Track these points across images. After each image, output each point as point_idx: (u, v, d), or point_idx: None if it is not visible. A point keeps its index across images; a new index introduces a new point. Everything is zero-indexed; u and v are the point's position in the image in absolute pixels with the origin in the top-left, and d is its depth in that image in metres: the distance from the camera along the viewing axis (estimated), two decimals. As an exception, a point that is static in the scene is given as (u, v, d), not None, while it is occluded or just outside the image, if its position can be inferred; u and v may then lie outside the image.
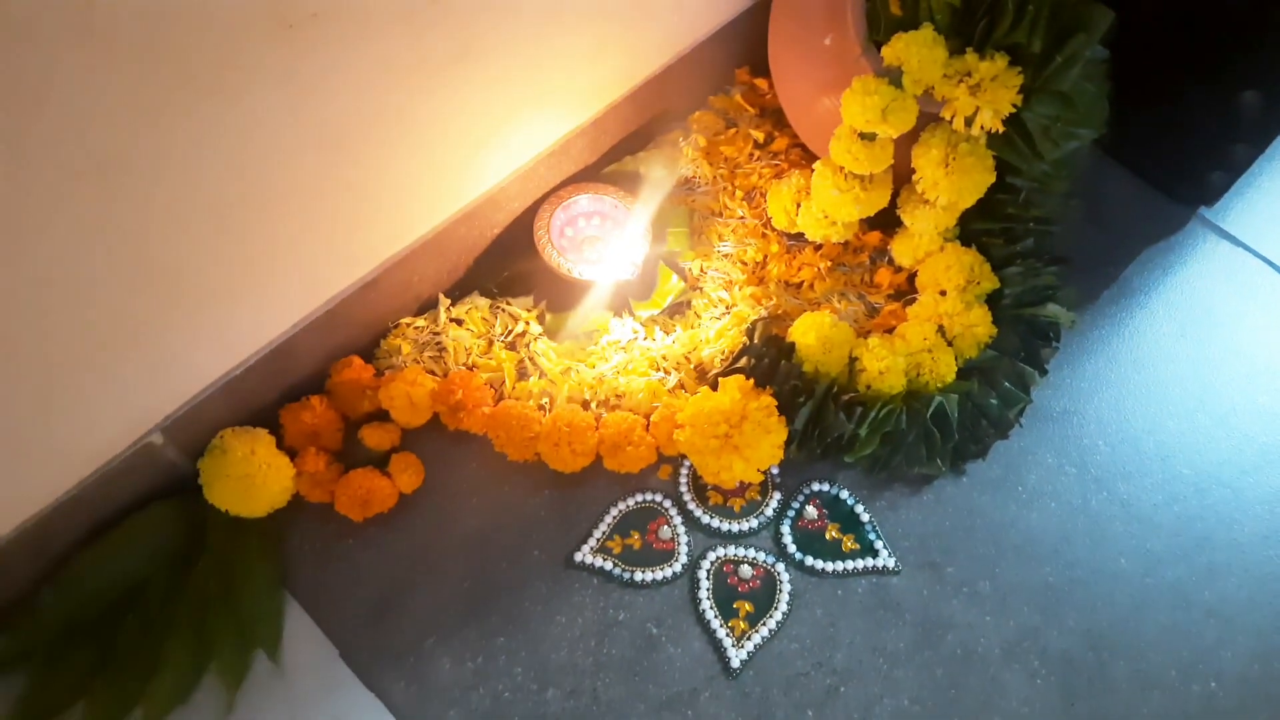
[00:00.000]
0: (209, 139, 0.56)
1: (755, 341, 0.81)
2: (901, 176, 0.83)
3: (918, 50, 0.73)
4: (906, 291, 0.89)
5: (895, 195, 0.84)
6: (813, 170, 0.85)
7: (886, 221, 0.88)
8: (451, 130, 0.73)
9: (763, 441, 0.75)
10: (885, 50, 0.74)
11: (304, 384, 0.79)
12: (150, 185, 0.55)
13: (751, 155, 0.96)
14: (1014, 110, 0.74)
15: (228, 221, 0.61)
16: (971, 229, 0.85)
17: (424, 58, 0.65)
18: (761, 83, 0.99)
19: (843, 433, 0.77)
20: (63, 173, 0.50)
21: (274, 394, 0.77)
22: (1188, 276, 0.94)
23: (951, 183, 0.78)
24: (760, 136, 0.96)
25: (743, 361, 0.80)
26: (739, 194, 0.93)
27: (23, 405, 0.60)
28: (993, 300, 0.83)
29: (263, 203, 0.63)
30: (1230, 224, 0.97)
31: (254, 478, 0.72)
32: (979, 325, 0.81)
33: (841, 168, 0.80)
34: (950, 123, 0.76)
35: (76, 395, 0.63)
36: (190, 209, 0.58)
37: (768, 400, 0.76)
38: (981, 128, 0.75)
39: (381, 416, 0.80)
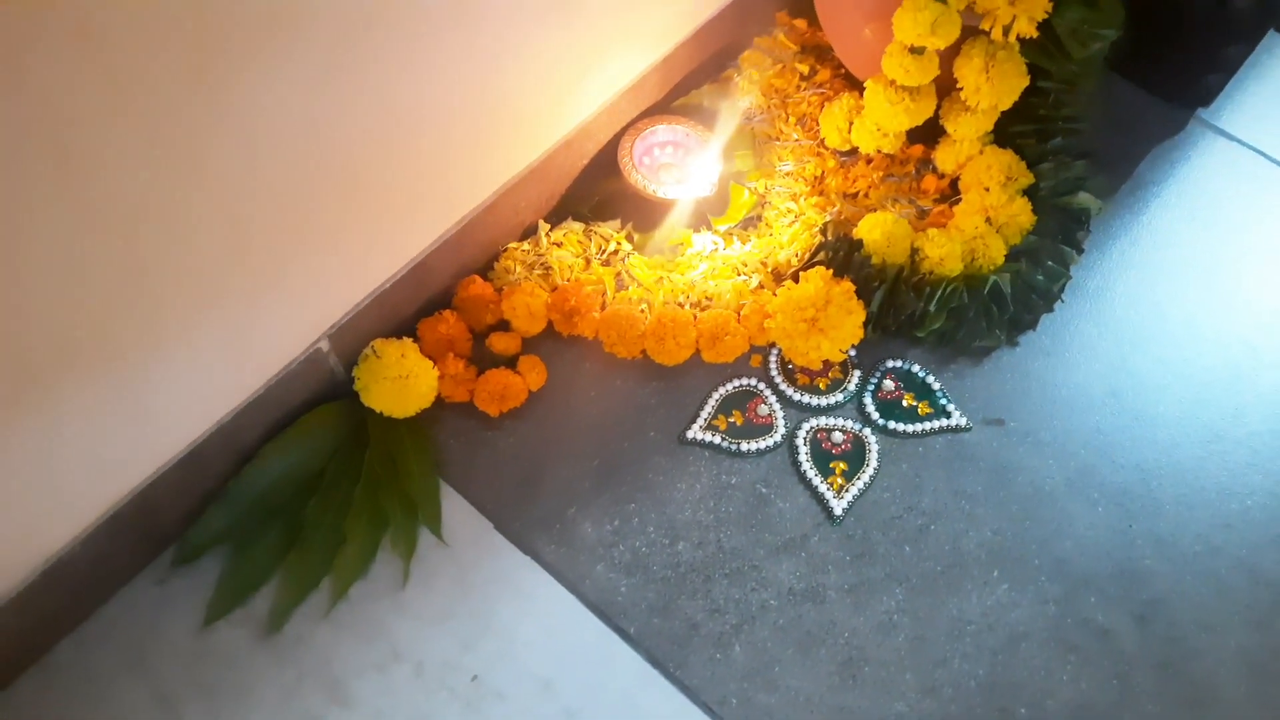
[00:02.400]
0: (397, 73, 0.66)
1: (829, 238, 0.91)
2: (943, 89, 0.94)
3: (960, -31, 0.84)
4: (950, 195, 1.00)
5: (938, 108, 0.95)
6: (861, 92, 0.96)
7: (926, 136, 0.99)
8: (557, 68, 0.83)
9: (846, 321, 0.86)
10: (930, -28, 0.85)
11: (436, 300, 0.89)
12: (353, 101, 0.65)
13: (798, 86, 1.06)
14: (1045, 17, 0.85)
15: (399, 145, 0.71)
16: (1008, 131, 0.96)
17: (532, 9, 0.75)
18: (800, 23, 1.10)
19: (914, 310, 0.88)
20: (289, 88, 0.60)
21: (412, 308, 0.87)
22: (1192, 170, 1.05)
23: (992, 87, 0.88)
24: (805, 69, 1.07)
25: (820, 256, 0.90)
26: (792, 120, 1.04)
27: (229, 315, 0.69)
28: (1030, 193, 0.94)
29: (419, 127, 0.73)
30: (1225, 122, 1.08)
31: (405, 380, 0.82)
32: (1021, 214, 0.92)
33: (893, 82, 0.91)
34: (989, 34, 0.87)
35: (267, 304, 0.72)
36: (379, 133, 0.68)
37: (847, 285, 0.87)
38: (1017, 35, 0.86)
39: (503, 326, 0.90)
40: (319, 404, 0.83)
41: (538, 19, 0.76)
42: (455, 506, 0.82)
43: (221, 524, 0.79)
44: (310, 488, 0.81)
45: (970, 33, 0.88)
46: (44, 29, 0.46)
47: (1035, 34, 0.86)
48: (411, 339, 0.85)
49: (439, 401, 0.85)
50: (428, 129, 0.74)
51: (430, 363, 0.84)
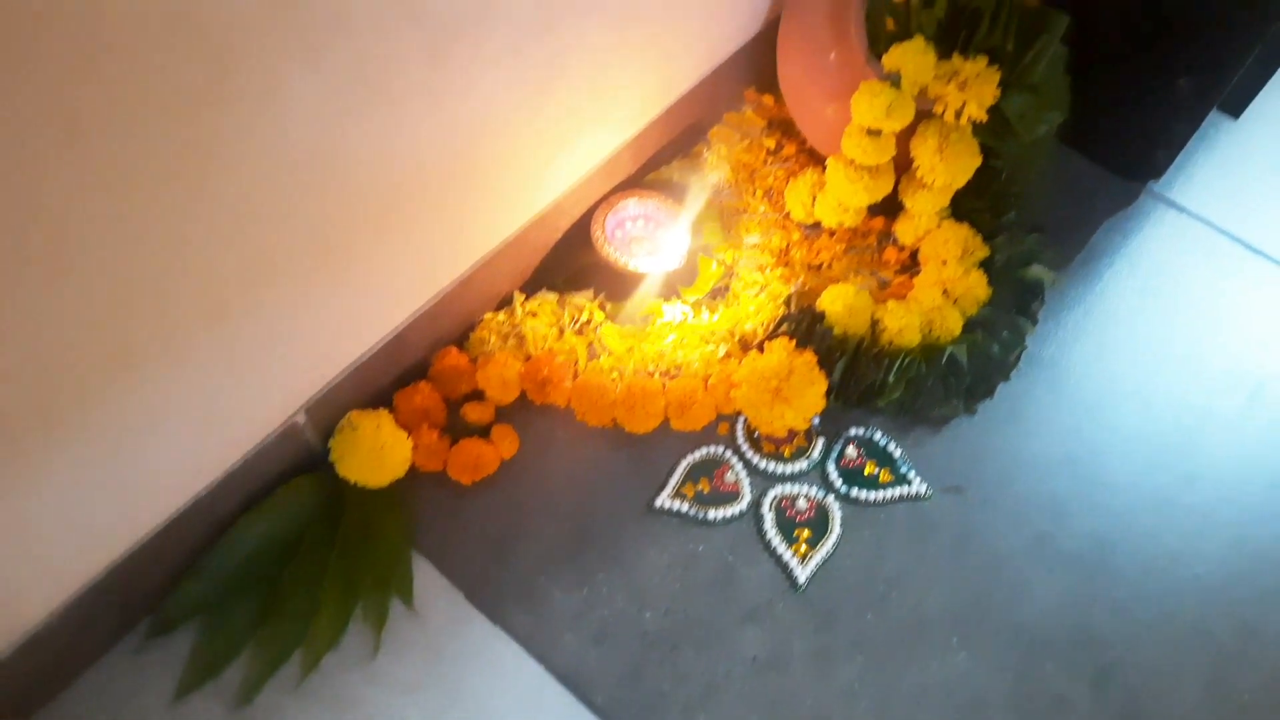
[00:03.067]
0: (377, 155, 0.69)
1: (793, 309, 0.95)
2: (901, 167, 0.98)
3: (912, 57, 0.88)
4: (910, 267, 1.03)
5: (896, 184, 0.99)
6: (824, 167, 1.00)
7: (888, 209, 1.03)
8: (532, 148, 0.87)
9: (808, 391, 0.89)
10: (885, 59, 0.90)
11: (412, 370, 0.91)
12: (331, 183, 0.68)
13: (765, 160, 1.11)
14: (994, 102, 0.89)
15: (379, 222, 0.74)
16: (963, 207, 1.00)
17: (521, 80, 0.79)
18: (768, 99, 1.14)
19: (874, 381, 0.91)
20: (262, 169, 0.63)
21: (388, 379, 0.89)
22: (1144, 241, 1.10)
23: (946, 166, 0.93)
24: (771, 144, 1.11)
25: (784, 327, 0.94)
26: (759, 193, 1.08)
27: (208, 390, 0.71)
28: (986, 265, 0.98)
29: (398, 203, 0.76)
30: (1175, 194, 1.13)
31: (380, 451, 0.84)
32: (977, 286, 0.96)
33: (852, 160, 0.95)
34: (942, 116, 0.91)
35: (246, 380, 0.74)
36: (358, 212, 0.71)
37: (809, 356, 0.90)
38: (969, 118, 0.90)
39: (478, 396, 0.92)
40: (295, 475, 0.85)
41: (516, 103, 0.80)
42: (427, 576, 0.84)
43: (197, 595, 0.80)
44: (285, 559, 0.82)
45: (924, 115, 0.93)
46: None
47: (985, 118, 0.90)
48: (387, 409, 0.87)
49: (413, 471, 0.87)
50: (406, 206, 0.77)
51: (405, 433, 0.86)
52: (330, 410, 0.85)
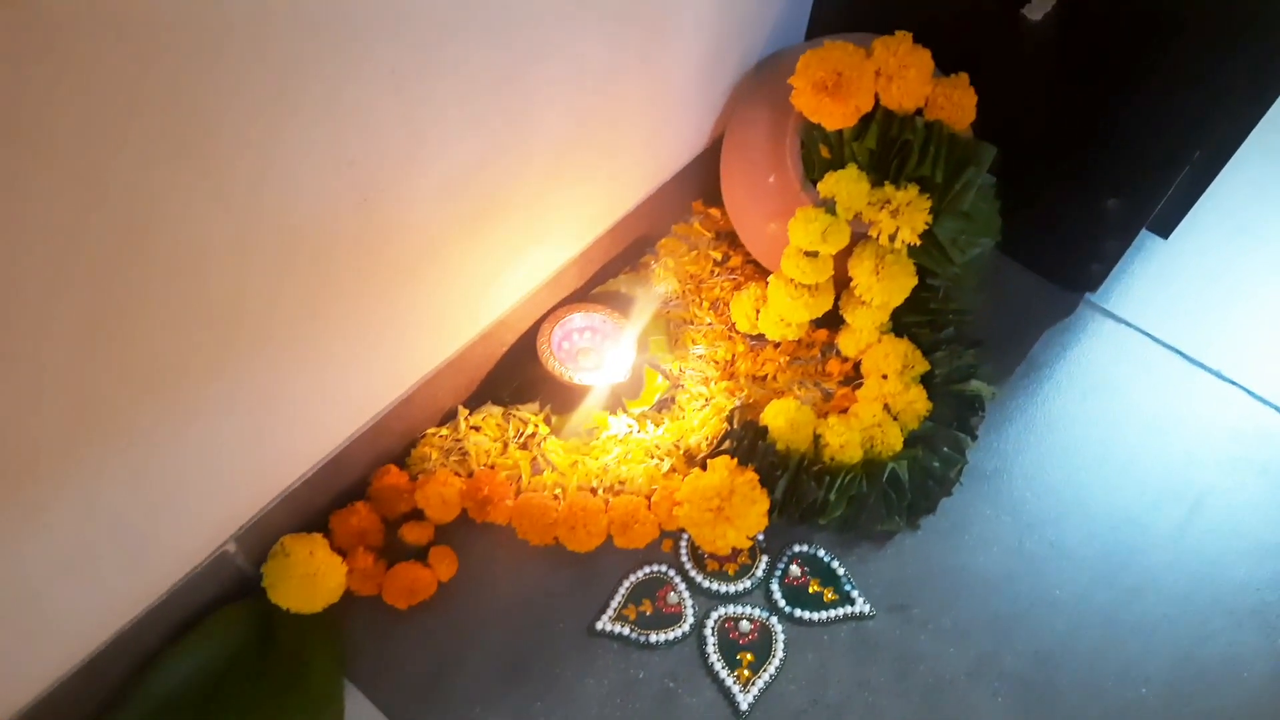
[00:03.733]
0: (313, 281, 0.70)
1: (735, 426, 0.95)
2: (841, 283, 1.00)
3: (846, 185, 0.91)
4: (854, 377, 1.05)
5: (837, 299, 1.01)
6: (767, 283, 1.02)
7: (831, 321, 1.05)
8: (474, 269, 0.88)
9: (750, 510, 0.89)
10: (820, 185, 0.92)
11: (349, 490, 0.90)
12: (265, 307, 0.68)
13: (712, 271, 1.13)
14: (927, 227, 0.92)
15: (316, 347, 0.74)
16: (903, 322, 1.01)
17: (456, 217, 0.80)
18: (715, 211, 1.17)
19: (815, 498, 0.91)
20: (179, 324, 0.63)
21: (324, 501, 0.88)
22: (1083, 351, 1.12)
23: (883, 287, 0.95)
24: (719, 255, 1.13)
25: (726, 444, 0.94)
26: (705, 304, 1.10)
27: (127, 526, 0.70)
28: (926, 380, 0.99)
29: (333, 332, 0.76)
30: (1113, 305, 1.16)
31: (313, 577, 0.83)
32: (917, 401, 0.97)
33: (792, 279, 0.97)
34: (877, 239, 0.94)
35: (170, 514, 0.73)
36: (290, 336, 0.72)
37: (751, 475, 0.90)
38: (902, 242, 0.93)
39: (417, 515, 0.91)
40: (226, 602, 0.83)
41: (459, 232, 0.81)
42: (360, 706, 0.82)
43: (120, 732, 0.77)
44: (213, 691, 0.80)
45: (861, 237, 0.95)
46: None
47: (918, 242, 0.93)
48: (322, 533, 0.86)
49: (348, 594, 0.86)
50: (345, 328, 0.77)
51: (339, 558, 0.85)
52: (263, 535, 0.83)
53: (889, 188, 0.92)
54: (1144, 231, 1.13)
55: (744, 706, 0.83)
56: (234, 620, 0.83)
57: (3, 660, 0.68)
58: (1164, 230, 1.19)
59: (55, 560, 0.66)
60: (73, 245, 0.53)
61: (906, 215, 0.91)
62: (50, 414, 0.59)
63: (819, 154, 0.95)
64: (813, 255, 0.94)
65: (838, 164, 0.94)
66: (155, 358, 0.63)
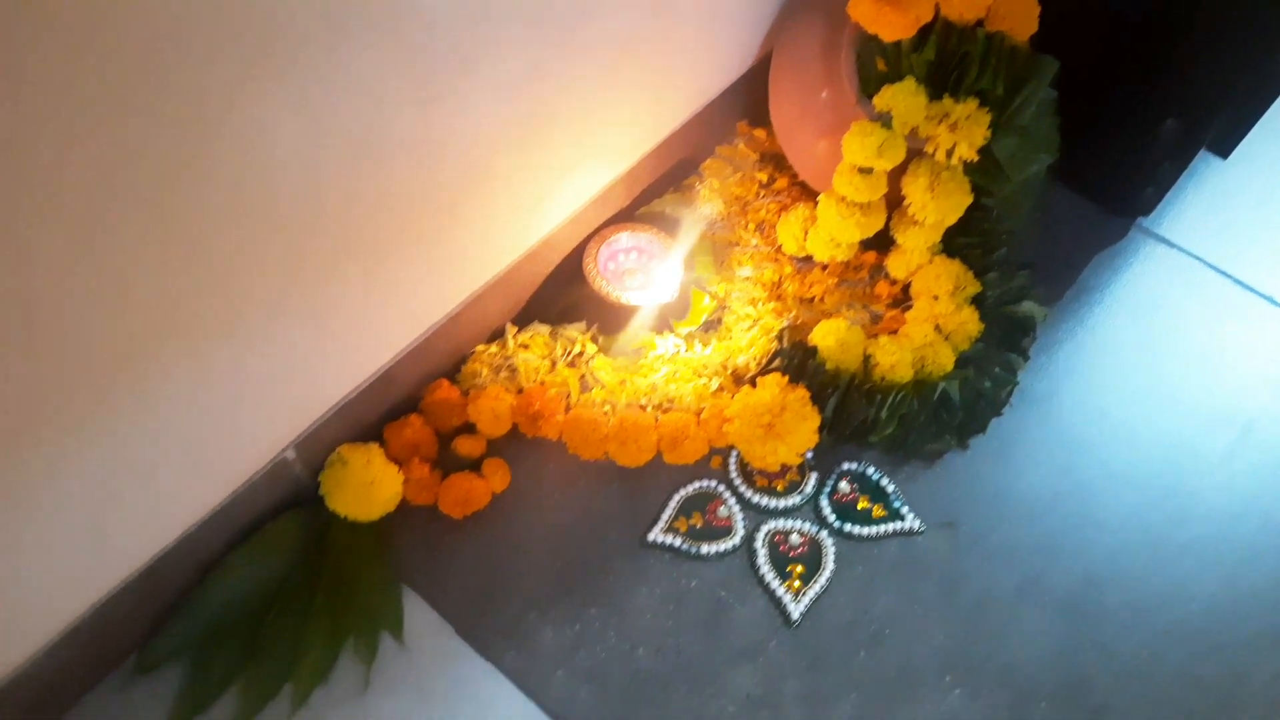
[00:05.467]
0: (364, 194, 0.69)
1: (785, 345, 0.95)
2: (893, 203, 0.98)
3: (903, 98, 0.89)
4: (902, 300, 1.04)
5: (888, 220, 1.00)
6: (816, 202, 1.00)
7: (880, 243, 1.04)
8: (525, 184, 0.87)
9: (800, 427, 0.89)
10: (876, 99, 0.90)
11: (402, 404, 0.91)
12: (322, 221, 0.68)
13: (758, 194, 1.11)
14: (985, 142, 0.90)
15: (368, 262, 0.74)
16: (955, 243, 1.00)
17: (508, 124, 0.79)
18: (760, 133, 1.15)
19: (866, 416, 0.91)
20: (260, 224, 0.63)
21: (379, 413, 0.89)
22: (1134, 276, 1.10)
23: (937, 205, 0.93)
24: (764, 178, 1.12)
25: (776, 362, 0.94)
26: (751, 226, 1.09)
27: (192, 429, 0.71)
28: (977, 301, 0.98)
29: (389, 245, 0.76)
30: (1165, 230, 1.14)
31: (370, 485, 0.84)
32: (969, 322, 0.96)
33: (844, 197, 0.96)
34: (933, 156, 0.92)
35: (232, 420, 0.74)
36: (346, 250, 0.71)
37: (802, 392, 0.90)
38: (959, 158, 0.91)
39: (469, 429, 0.92)
40: (283, 511, 0.85)
41: (509, 143, 0.80)
42: (417, 611, 0.83)
43: (183, 634, 0.79)
44: (272, 596, 0.81)
45: (916, 153, 0.93)
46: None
47: (976, 158, 0.91)
48: (377, 444, 0.87)
49: (403, 505, 0.87)
50: (396, 244, 0.77)
51: (395, 467, 0.86)
52: (319, 445, 0.84)
53: (948, 101, 0.90)
54: (1200, 153, 1.11)
55: (795, 616, 0.85)
56: (292, 527, 0.84)
57: (75, 557, 0.69)
58: (1223, 151, 1.16)
59: (123, 465, 0.67)
60: (140, 159, 0.53)
61: (965, 129, 0.89)
62: (129, 323, 0.60)
63: (875, 67, 0.93)
64: (866, 172, 0.93)
65: (894, 77, 0.91)
66: (227, 267, 0.63)
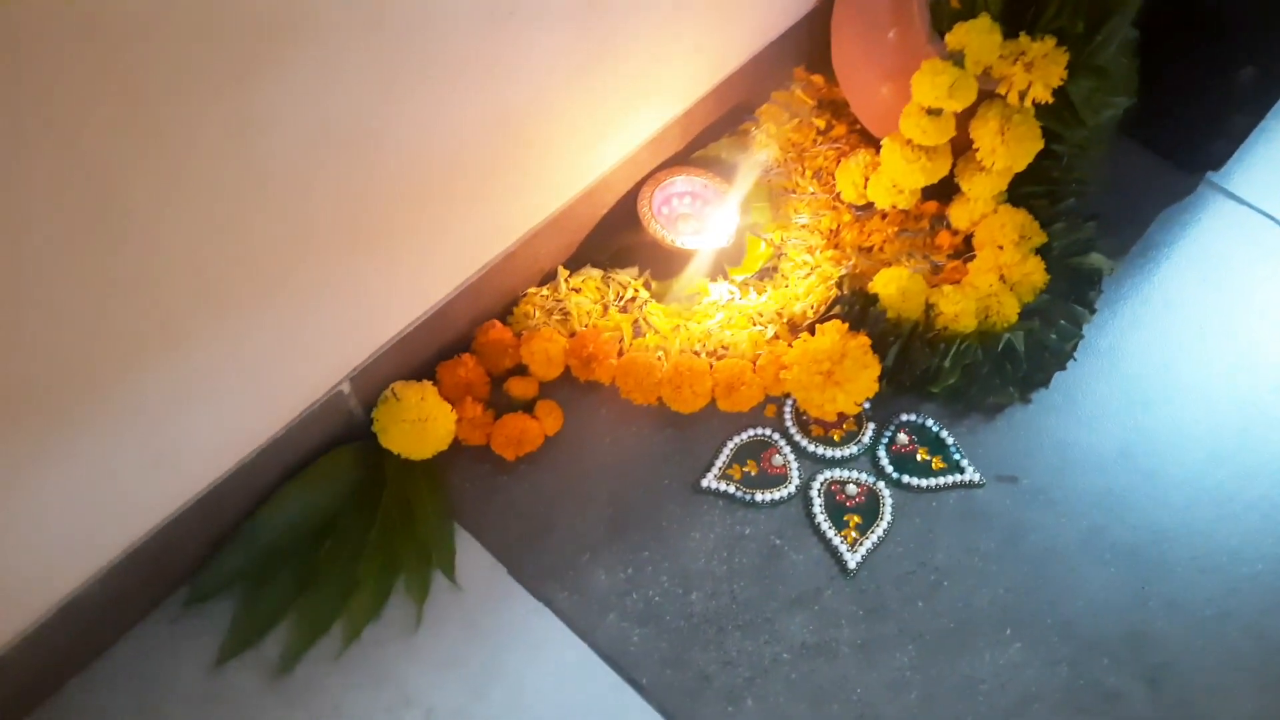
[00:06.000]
0: (425, 128, 0.67)
1: (845, 292, 0.93)
2: (958, 149, 0.95)
3: (977, 36, 0.86)
4: (963, 252, 1.01)
5: (953, 167, 0.97)
6: (877, 148, 0.97)
7: (941, 193, 1.01)
8: (581, 124, 0.85)
9: (861, 375, 0.87)
10: (949, 37, 0.87)
11: (455, 344, 0.89)
12: (379, 154, 0.66)
13: (815, 141, 1.08)
14: (1061, 83, 0.87)
15: (424, 197, 0.73)
16: (1020, 192, 0.97)
17: (571, 62, 0.77)
18: (817, 78, 1.12)
19: (929, 366, 0.89)
20: (296, 141, 0.62)
21: (432, 351, 0.88)
22: (1202, 232, 1.07)
23: (1007, 149, 0.90)
24: (821, 124, 1.09)
25: (836, 309, 0.92)
26: (808, 173, 1.06)
27: (254, 358, 0.70)
28: (1043, 252, 0.95)
29: (445, 178, 0.74)
30: (1235, 186, 1.10)
31: (423, 423, 0.83)
32: (1034, 273, 0.94)
33: (909, 141, 0.93)
34: (1005, 98, 0.89)
35: (291, 349, 0.73)
36: (403, 184, 0.70)
37: (863, 340, 0.88)
38: (1033, 100, 0.88)
39: (521, 371, 0.90)
40: (336, 445, 0.84)
41: (566, 79, 0.78)
42: (469, 550, 0.82)
43: (235, 565, 0.79)
44: (325, 530, 0.81)
45: (986, 96, 0.90)
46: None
47: (1050, 100, 0.88)
48: (430, 382, 0.86)
49: (455, 445, 0.86)
50: (455, 179, 0.76)
51: (449, 406, 0.85)
52: (374, 380, 0.83)
53: (1024, 39, 0.86)
54: (1277, 105, 1.06)
55: (851, 565, 0.83)
56: (346, 461, 0.83)
57: (131, 484, 0.68)
58: (1302, 103, 1.12)
59: (187, 387, 0.66)
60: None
61: (1040, 69, 0.86)
62: (223, 262, 0.60)
63: (948, 4, 0.89)
64: (935, 114, 0.89)
65: (968, 14, 0.88)
66: (294, 196, 0.62)
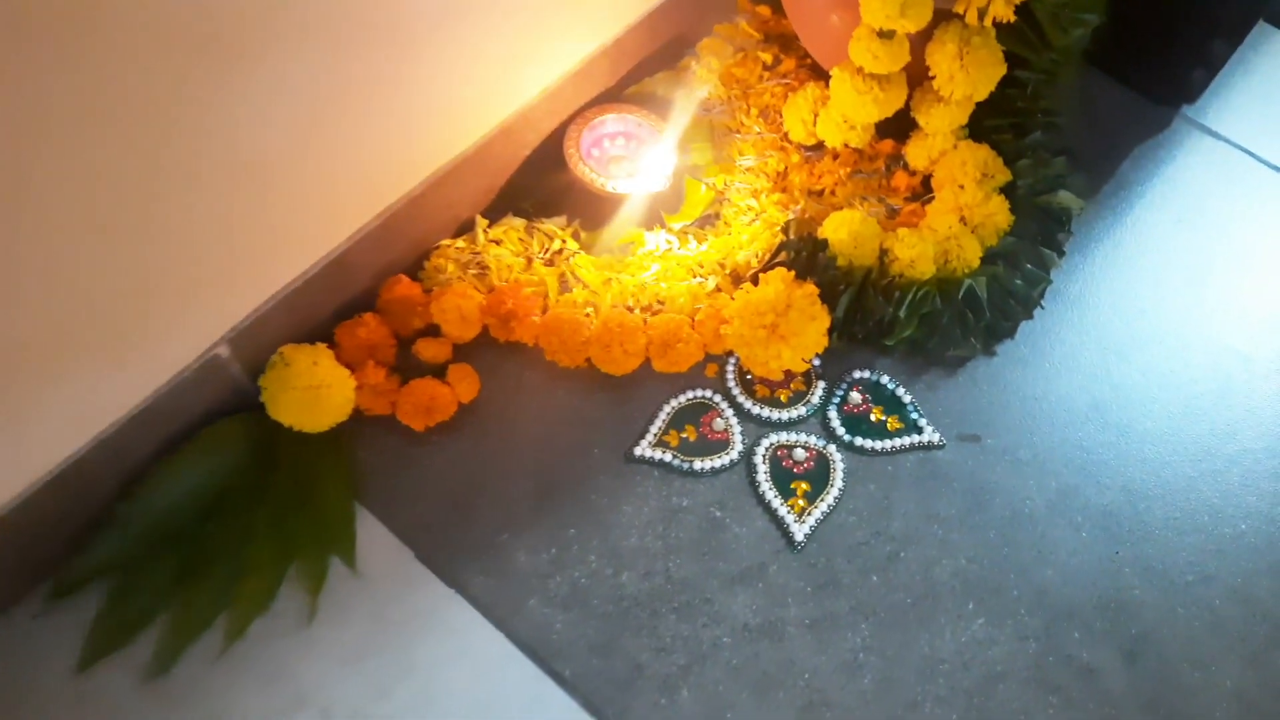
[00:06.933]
0: (289, 30, 0.58)
1: (792, 237, 0.84)
2: (914, 80, 0.87)
3: (932, -54, 0.77)
4: (922, 194, 0.93)
5: (908, 101, 0.88)
6: (827, 82, 0.89)
7: (898, 132, 0.92)
8: (490, 45, 0.75)
9: (809, 328, 0.78)
10: (900, -52, 0.78)
11: (356, 302, 0.80)
12: (232, 74, 0.56)
13: (761, 77, 0.99)
14: (1023, 1, 0.78)
15: (312, 115, 0.63)
16: (982, 126, 0.89)
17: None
18: (764, 9, 1.03)
19: (883, 316, 0.81)
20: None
21: (328, 310, 0.78)
22: (1178, 170, 0.99)
23: (966, 76, 0.82)
24: (768, 59, 1.00)
25: (782, 256, 0.83)
26: (754, 111, 0.97)
27: (104, 313, 0.60)
28: (1007, 191, 0.87)
29: (327, 97, 0.64)
30: (1212, 120, 1.03)
31: (317, 390, 0.73)
32: (998, 214, 0.85)
33: (860, 69, 0.84)
34: (963, 18, 0.80)
35: (149, 302, 0.63)
36: (267, 101, 0.60)
37: (810, 289, 0.79)
38: (994, 19, 0.79)
39: (433, 332, 0.81)
40: (221, 417, 0.74)
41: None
42: (373, 533, 0.74)
43: (107, 552, 0.70)
44: (209, 511, 0.72)
45: (943, 16, 0.81)
46: None
47: (1013, 18, 0.79)
48: (328, 345, 0.76)
49: (358, 415, 0.77)
50: (343, 96, 0.66)
51: (347, 372, 0.75)
52: (260, 343, 0.74)
53: (984, -53, 0.77)
54: (1258, 25, 0.99)
55: (799, 537, 0.75)
56: (231, 435, 0.74)
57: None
58: (1285, 23, 1.04)
59: (15, 347, 0.56)
60: None
61: (1002, -18, 0.77)
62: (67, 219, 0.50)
63: (899, -88, 0.80)
64: (888, 36, 0.81)
65: (922, -77, 0.79)
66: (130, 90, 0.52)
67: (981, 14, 0.79)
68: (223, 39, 0.55)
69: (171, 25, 0.52)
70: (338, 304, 0.79)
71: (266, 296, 0.72)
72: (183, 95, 0.55)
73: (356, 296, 0.80)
